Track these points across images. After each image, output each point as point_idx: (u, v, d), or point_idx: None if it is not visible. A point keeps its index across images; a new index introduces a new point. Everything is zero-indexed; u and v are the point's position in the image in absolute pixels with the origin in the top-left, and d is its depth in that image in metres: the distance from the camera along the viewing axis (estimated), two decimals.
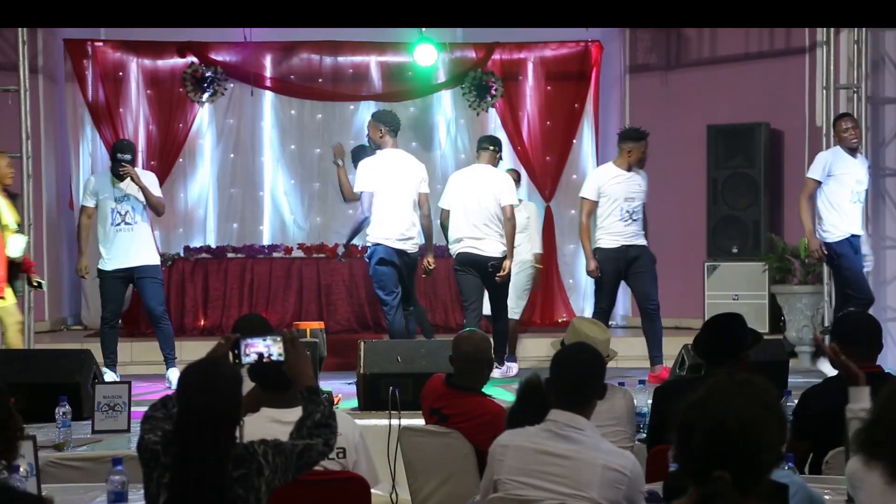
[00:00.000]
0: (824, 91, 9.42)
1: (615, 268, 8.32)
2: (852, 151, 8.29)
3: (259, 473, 3.10)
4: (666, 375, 7.98)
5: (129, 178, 8.17)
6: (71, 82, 11.49)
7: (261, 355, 3.56)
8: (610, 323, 11.38)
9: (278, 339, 3.57)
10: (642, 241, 8.41)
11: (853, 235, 8.28)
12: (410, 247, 8.16)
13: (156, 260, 8.42)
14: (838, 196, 8.24)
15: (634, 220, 8.33)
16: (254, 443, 3.15)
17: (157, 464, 3.12)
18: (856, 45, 9.34)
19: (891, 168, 9.61)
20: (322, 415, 3.41)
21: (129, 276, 8.29)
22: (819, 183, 8.27)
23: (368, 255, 8.17)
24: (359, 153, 8.81)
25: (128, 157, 8.20)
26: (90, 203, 8.30)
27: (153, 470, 3.13)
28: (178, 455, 3.08)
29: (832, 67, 9.41)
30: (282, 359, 3.56)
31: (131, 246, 8.22)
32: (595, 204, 8.35)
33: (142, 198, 8.22)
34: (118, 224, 8.20)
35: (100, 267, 8.33)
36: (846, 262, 8.26)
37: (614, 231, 8.33)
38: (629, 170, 8.38)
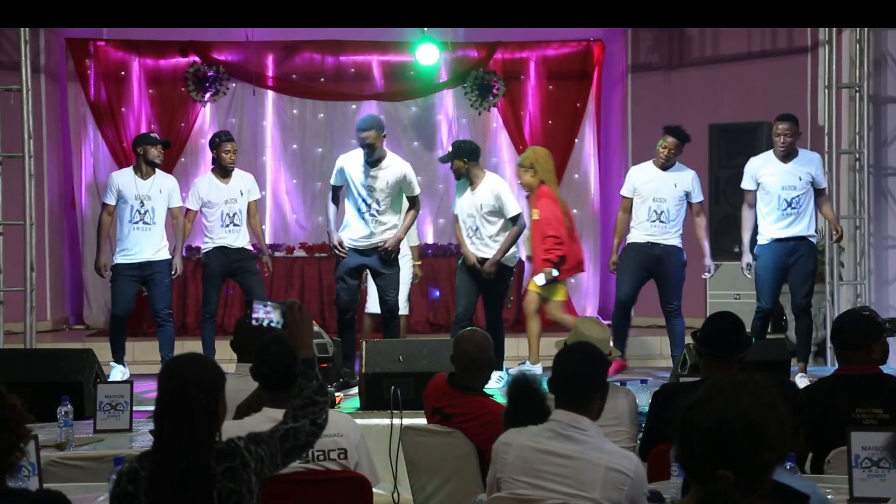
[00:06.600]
0: (826, 90, 9.41)
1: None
2: (785, 156, 8.13)
3: (245, 466, 3.10)
4: None
5: (152, 178, 8.22)
6: (73, 82, 11.50)
7: (259, 321, 3.49)
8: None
9: (279, 305, 3.47)
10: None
11: (775, 240, 8.18)
12: None
13: (167, 258, 8.40)
14: (764, 203, 8.21)
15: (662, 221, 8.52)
16: (233, 438, 3.16)
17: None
18: (858, 45, 9.33)
19: (892, 168, 9.60)
20: (310, 390, 3.34)
21: (142, 276, 8.29)
22: (753, 192, 8.26)
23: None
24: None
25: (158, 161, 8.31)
26: (111, 201, 8.30)
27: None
28: (157, 444, 3.09)
29: (834, 67, 9.40)
30: (279, 326, 3.46)
31: (146, 244, 8.23)
32: None
33: (163, 197, 8.28)
34: (136, 222, 8.21)
35: (114, 261, 8.35)
36: (757, 266, 8.26)
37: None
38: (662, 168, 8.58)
